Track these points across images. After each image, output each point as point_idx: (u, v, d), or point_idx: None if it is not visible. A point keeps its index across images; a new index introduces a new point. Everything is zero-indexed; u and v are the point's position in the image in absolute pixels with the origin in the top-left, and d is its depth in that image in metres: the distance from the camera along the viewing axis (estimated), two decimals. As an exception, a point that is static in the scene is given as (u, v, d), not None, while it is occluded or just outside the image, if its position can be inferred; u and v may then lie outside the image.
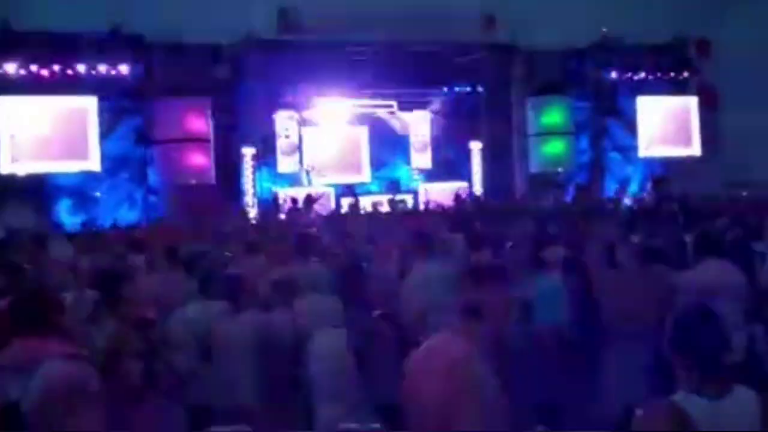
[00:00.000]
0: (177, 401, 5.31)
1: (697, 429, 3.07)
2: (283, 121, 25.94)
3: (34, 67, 21.76)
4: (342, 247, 10.57)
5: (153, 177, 23.54)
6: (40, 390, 3.19)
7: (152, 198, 23.60)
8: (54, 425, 3.13)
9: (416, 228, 10.45)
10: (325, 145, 26.55)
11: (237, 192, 24.01)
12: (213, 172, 23.78)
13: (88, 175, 22.69)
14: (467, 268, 3.95)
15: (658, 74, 27.95)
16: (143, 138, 23.26)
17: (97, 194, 22.83)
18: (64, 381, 3.28)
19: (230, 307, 6.76)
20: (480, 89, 27.19)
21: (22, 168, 21.95)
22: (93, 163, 22.64)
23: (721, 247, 7.50)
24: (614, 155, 27.82)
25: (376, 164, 27.19)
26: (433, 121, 27.99)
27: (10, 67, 21.59)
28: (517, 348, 5.95)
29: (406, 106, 27.42)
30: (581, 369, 6.75)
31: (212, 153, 23.84)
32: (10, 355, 3.41)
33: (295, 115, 26.10)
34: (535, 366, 6.47)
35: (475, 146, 27.61)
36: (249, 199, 24.00)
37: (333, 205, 24.31)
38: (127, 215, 22.58)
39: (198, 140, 23.69)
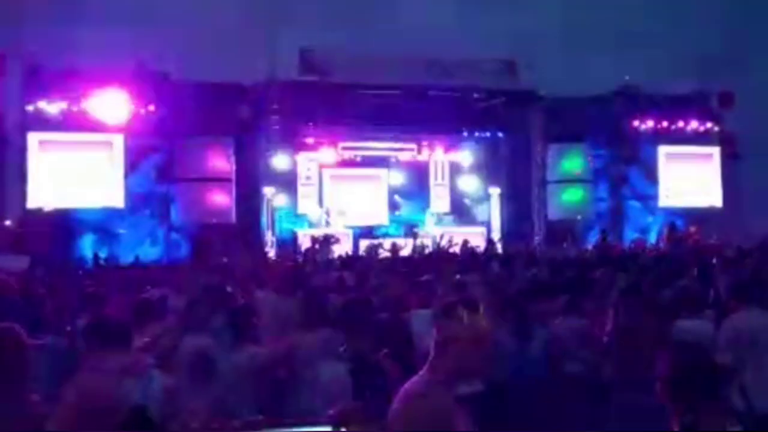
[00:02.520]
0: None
1: None
2: (304, 162, 26.21)
3: (62, 104, 22.13)
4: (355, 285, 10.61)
5: (175, 215, 23.76)
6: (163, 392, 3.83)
7: (174, 235, 23.79)
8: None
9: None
10: (345, 186, 26.77)
11: (257, 231, 24.14)
12: (234, 212, 24.04)
13: (112, 212, 22.97)
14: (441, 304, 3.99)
15: (680, 124, 27.86)
16: (166, 175, 23.51)
17: (120, 231, 23.04)
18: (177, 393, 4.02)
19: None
20: (500, 134, 27.34)
21: (49, 202, 22.29)
22: (116, 199, 22.94)
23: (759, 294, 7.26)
24: (634, 204, 27.68)
25: (395, 207, 27.35)
26: (452, 166, 28.13)
27: (40, 104, 21.99)
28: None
29: (426, 150, 27.60)
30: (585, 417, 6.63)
31: (233, 192, 24.12)
32: (116, 363, 3.83)
33: (316, 156, 26.36)
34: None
35: (494, 191, 27.68)
36: (268, 239, 24.10)
37: (351, 246, 24.39)
38: (149, 252, 22.72)
39: (220, 180, 24.03)
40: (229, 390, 6.45)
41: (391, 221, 27.06)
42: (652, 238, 26.13)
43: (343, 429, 3.50)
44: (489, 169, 27.95)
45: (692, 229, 24.68)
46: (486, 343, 3.53)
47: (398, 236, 25.31)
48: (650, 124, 27.42)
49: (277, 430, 4.44)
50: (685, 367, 3.31)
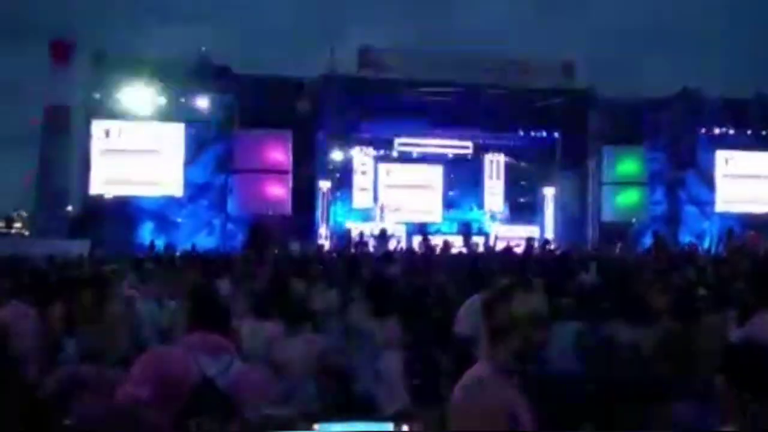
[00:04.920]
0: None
1: None
2: (360, 157, 26.43)
3: (126, 93, 22.59)
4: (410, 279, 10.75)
5: (232, 205, 24.14)
6: (239, 375, 3.94)
7: (230, 226, 24.14)
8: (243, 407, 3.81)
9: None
10: (400, 182, 26.95)
11: (312, 224, 24.41)
12: (290, 204, 24.34)
13: (171, 200, 23.45)
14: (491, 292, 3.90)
15: (739, 129, 27.48)
16: (224, 166, 23.92)
17: (178, 219, 23.49)
18: (257, 378, 4.14)
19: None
20: (556, 135, 27.22)
21: (110, 190, 22.81)
22: (176, 188, 23.40)
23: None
24: (690, 208, 27.41)
25: (449, 205, 27.45)
26: (507, 165, 28.10)
27: (103, 92, 22.46)
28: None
29: (481, 148, 27.61)
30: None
31: (290, 185, 24.41)
32: (200, 340, 4.04)
33: (372, 151, 26.56)
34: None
35: (549, 192, 27.59)
36: (323, 231, 24.35)
37: (404, 242, 24.51)
38: (205, 241, 23.07)
39: (277, 172, 24.32)
40: (288, 375, 6.66)
41: (445, 219, 27.16)
42: (707, 243, 25.79)
43: (405, 428, 3.57)
44: (544, 169, 27.87)
45: (751, 233, 24.23)
46: (543, 322, 3.53)
47: (451, 233, 25.36)
48: (708, 128, 27.07)
49: (337, 424, 4.60)
50: (753, 358, 3.34)
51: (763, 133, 27.71)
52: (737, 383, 3.25)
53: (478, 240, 25.04)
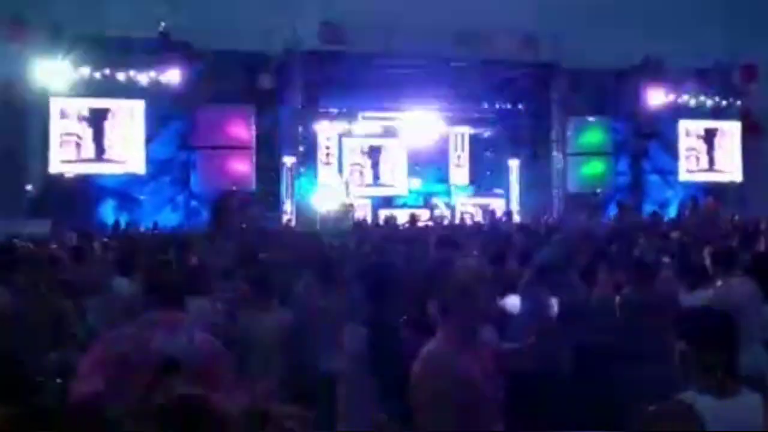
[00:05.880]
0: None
1: (704, 427, 3.13)
2: (325, 131, 26.23)
3: (84, 70, 22.17)
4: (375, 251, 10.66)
5: (195, 182, 23.89)
6: (200, 350, 3.88)
7: (194, 202, 23.92)
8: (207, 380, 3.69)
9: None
10: (365, 157, 26.80)
11: (276, 199, 24.24)
12: (253, 179, 24.12)
13: (132, 178, 23.13)
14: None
15: (702, 98, 27.65)
16: (187, 143, 23.64)
17: (141, 197, 23.22)
18: (218, 348, 4.08)
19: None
20: (521, 107, 27.24)
21: (70, 168, 22.45)
22: (138, 166, 23.09)
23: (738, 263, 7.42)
24: (654, 178, 27.62)
25: (414, 178, 27.36)
26: (472, 137, 28.05)
27: (62, 69, 22.01)
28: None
29: (446, 121, 27.50)
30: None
31: (253, 160, 24.18)
32: (157, 318, 3.99)
33: (337, 125, 26.36)
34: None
35: (514, 163, 27.63)
36: (287, 207, 24.19)
37: (370, 216, 24.43)
38: (169, 218, 22.83)
39: (240, 147, 24.09)
40: (256, 351, 6.56)
41: (410, 192, 27.09)
42: (672, 212, 26.00)
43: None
44: (509, 141, 27.88)
45: (709, 199, 24.43)
46: (489, 289, 3.56)
47: (417, 207, 25.34)
48: (671, 98, 27.20)
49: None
50: (711, 327, 3.35)
51: (724, 103, 27.94)
52: (698, 347, 3.30)
53: (445, 213, 25.13)
